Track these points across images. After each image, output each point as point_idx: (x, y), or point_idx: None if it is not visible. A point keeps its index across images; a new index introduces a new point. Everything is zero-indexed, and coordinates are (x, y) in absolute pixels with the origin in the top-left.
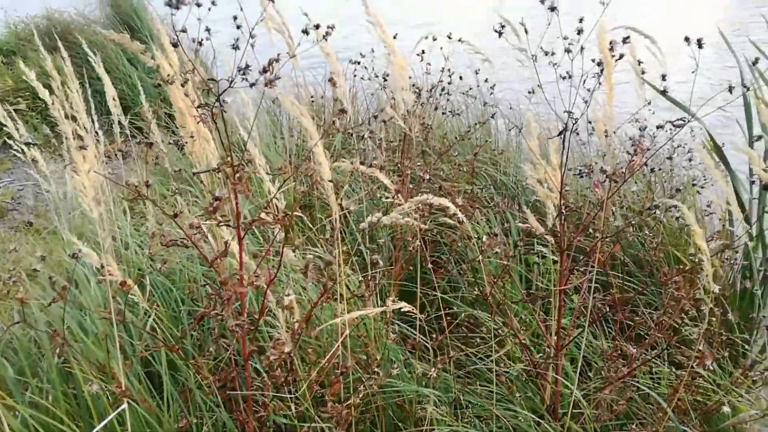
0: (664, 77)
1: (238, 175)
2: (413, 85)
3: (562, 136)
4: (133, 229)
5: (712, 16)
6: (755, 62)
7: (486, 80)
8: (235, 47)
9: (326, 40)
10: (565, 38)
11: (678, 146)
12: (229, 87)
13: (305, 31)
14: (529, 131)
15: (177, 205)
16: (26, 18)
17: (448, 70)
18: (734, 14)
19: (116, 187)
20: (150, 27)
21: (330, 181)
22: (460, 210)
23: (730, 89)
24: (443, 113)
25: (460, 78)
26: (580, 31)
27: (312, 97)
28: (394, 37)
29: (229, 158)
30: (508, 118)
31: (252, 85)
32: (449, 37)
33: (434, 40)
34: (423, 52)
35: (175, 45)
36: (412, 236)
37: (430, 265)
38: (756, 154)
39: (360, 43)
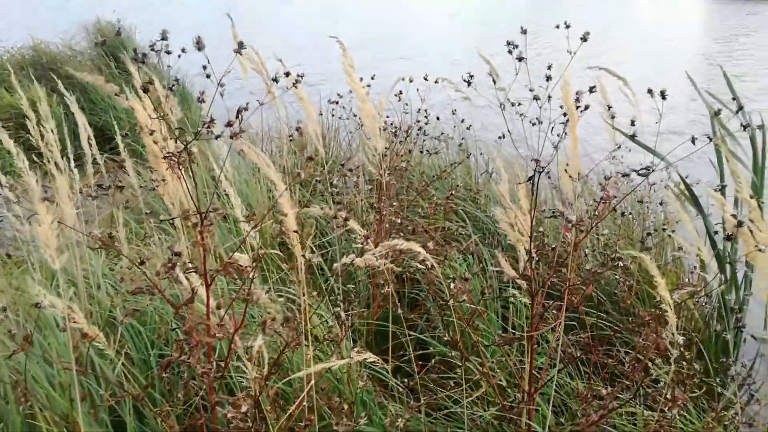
0: (633, 122)
1: (205, 223)
2: (392, 124)
3: (532, 181)
4: (107, 268)
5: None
6: (717, 113)
7: (462, 120)
8: (201, 100)
9: (296, 87)
10: (530, 91)
11: (654, 184)
12: (195, 139)
13: (275, 79)
14: (499, 176)
15: (152, 246)
16: (11, 49)
17: (425, 110)
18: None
19: (90, 225)
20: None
21: (295, 231)
22: (433, 252)
23: (693, 140)
24: (421, 151)
25: (438, 118)
26: (548, 78)
27: (292, 135)
28: (372, 78)
29: (197, 205)
30: (487, 155)
31: (217, 137)
32: (425, 78)
33: (410, 81)
34: (400, 92)
35: (145, 90)
36: (384, 280)
37: (400, 311)
38: (722, 198)
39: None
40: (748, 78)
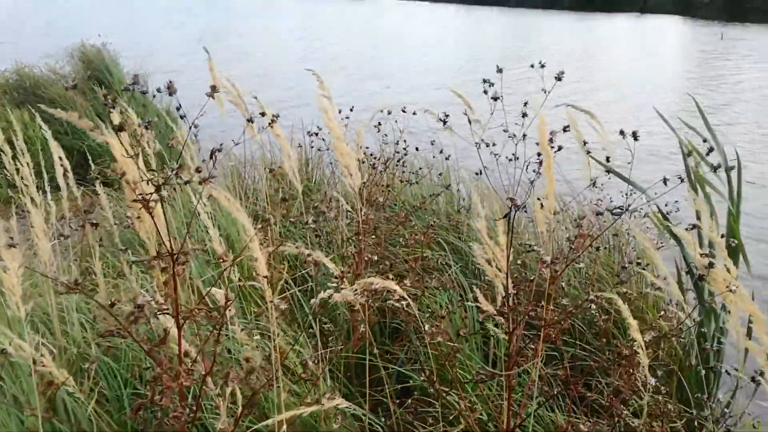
0: (608, 159)
1: (178, 263)
2: (371, 155)
3: (509, 218)
4: (83, 302)
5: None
6: (689, 154)
7: (441, 151)
8: (171, 146)
9: (272, 126)
10: (504, 132)
11: (634, 211)
12: (165, 184)
13: (250, 120)
14: (476, 212)
15: (129, 279)
16: None
17: (404, 140)
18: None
19: (67, 256)
20: (121, 82)
21: (265, 276)
22: (412, 286)
23: (665, 180)
24: (401, 182)
25: (417, 149)
26: (524, 114)
27: (272, 168)
28: (351, 110)
29: (171, 245)
30: (469, 184)
31: (187, 182)
32: (403, 111)
33: (389, 113)
34: (379, 123)
35: (121, 129)
36: (360, 319)
37: (381, 343)
38: (691, 239)
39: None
40: (719, 98)
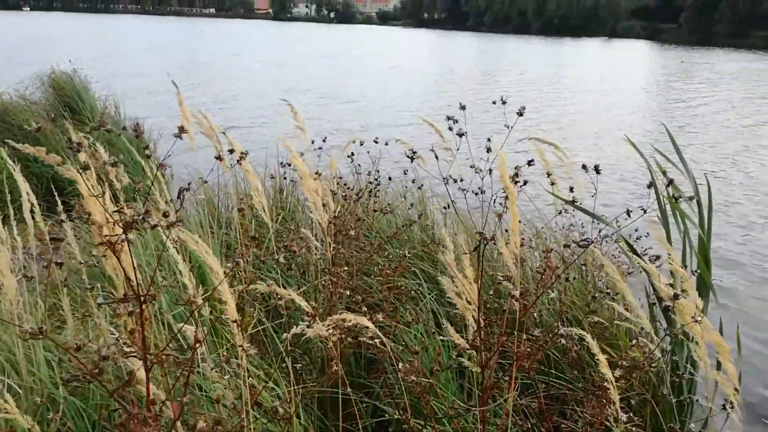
0: (571, 189)
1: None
2: (345, 184)
3: (478, 251)
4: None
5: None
6: (650, 185)
7: (413, 180)
8: (138, 189)
9: (240, 164)
10: (471, 167)
11: (605, 236)
12: (131, 228)
13: (218, 158)
14: (445, 246)
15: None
16: None
17: (377, 171)
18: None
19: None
20: (93, 108)
21: (235, 321)
22: (385, 319)
23: (628, 212)
24: (375, 211)
25: (389, 179)
26: (488, 149)
27: (240, 207)
28: (324, 140)
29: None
30: (441, 214)
31: (154, 227)
32: (376, 141)
33: (361, 144)
34: (353, 154)
35: (86, 168)
36: (332, 357)
37: (356, 374)
38: (655, 270)
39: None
40: (683, 117)
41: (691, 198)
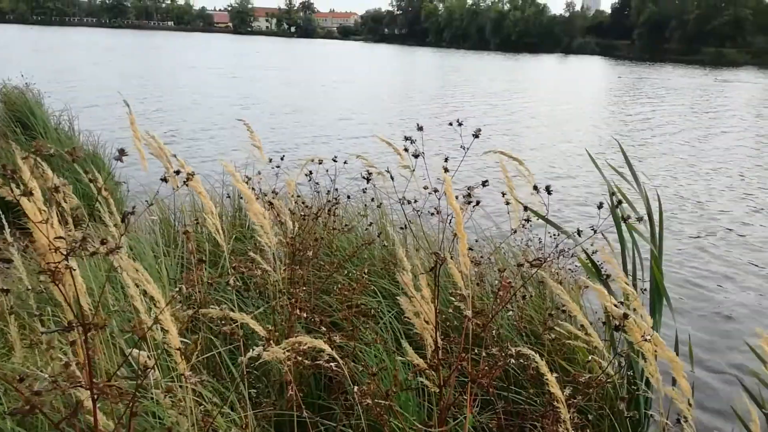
0: (526, 208)
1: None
2: (303, 203)
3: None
4: None
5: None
6: (617, 206)
7: (372, 199)
8: (76, 218)
9: (187, 185)
10: (425, 188)
11: (562, 250)
12: (71, 255)
13: (164, 179)
14: (402, 266)
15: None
16: None
17: (335, 189)
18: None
19: None
20: (45, 124)
21: (178, 349)
22: (343, 339)
23: (578, 233)
24: (333, 229)
25: (348, 198)
26: (446, 170)
27: (185, 230)
28: (282, 158)
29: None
30: (404, 229)
31: (93, 254)
32: (334, 160)
33: (320, 163)
34: (311, 172)
35: (30, 193)
36: (288, 381)
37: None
38: (604, 291)
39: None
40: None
41: (639, 219)
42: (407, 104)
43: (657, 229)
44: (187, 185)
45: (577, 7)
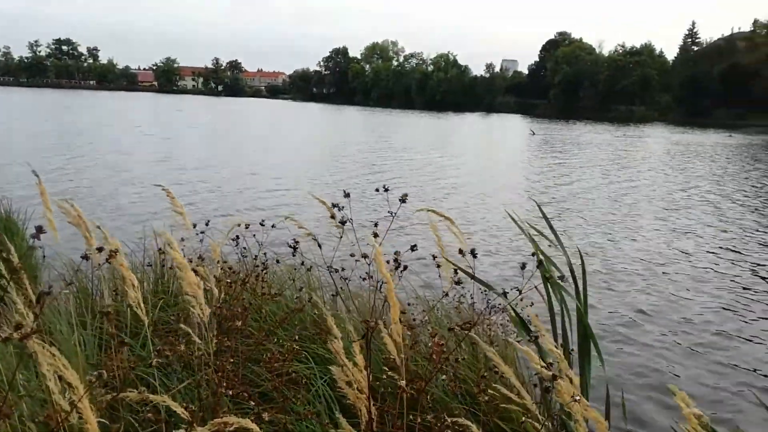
0: (456, 270)
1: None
2: (230, 268)
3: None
4: None
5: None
6: (523, 266)
7: (302, 263)
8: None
9: (110, 262)
10: (352, 256)
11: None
12: None
13: (85, 257)
14: (332, 335)
15: None
16: None
17: (264, 254)
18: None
19: None
20: None
21: None
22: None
23: (505, 294)
24: (262, 295)
25: (277, 261)
26: (376, 234)
27: (105, 311)
28: (207, 224)
29: None
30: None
31: (5, 340)
32: (261, 224)
33: (246, 227)
34: (237, 237)
35: None
36: None
37: None
38: (531, 353)
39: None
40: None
41: (561, 278)
42: (335, 161)
43: (581, 284)
44: (110, 262)
45: (497, 68)
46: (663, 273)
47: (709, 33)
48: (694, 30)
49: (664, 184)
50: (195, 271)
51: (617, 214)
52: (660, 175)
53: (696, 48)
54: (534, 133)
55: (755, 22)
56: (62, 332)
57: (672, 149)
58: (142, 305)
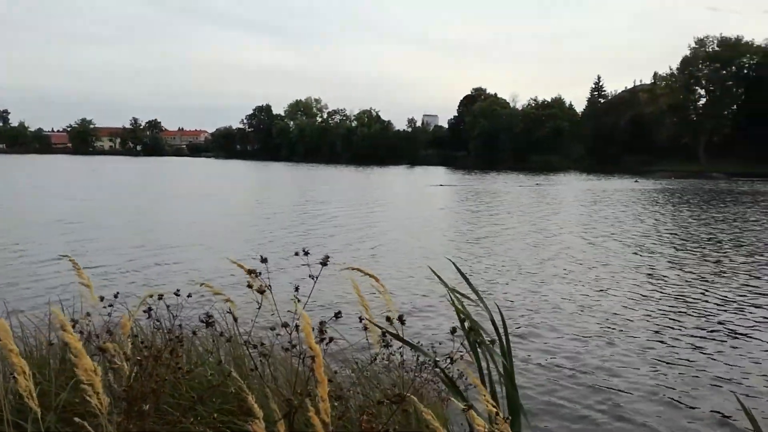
0: (384, 333)
1: None
2: (142, 342)
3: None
4: None
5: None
6: (453, 331)
7: (221, 334)
8: None
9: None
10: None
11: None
12: None
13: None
14: (254, 414)
15: None
16: None
17: (179, 325)
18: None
19: None
20: None
21: None
22: None
23: (435, 362)
24: (179, 368)
25: (194, 333)
26: (298, 300)
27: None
28: (115, 296)
29: None
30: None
31: None
32: (176, 294)
33: (160, 298)
34: (150, 309)
35: None
36: None
37: None
38: (475, 414)
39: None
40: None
41: (492, 342)
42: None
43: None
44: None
45: (419, 123)
46: (581, 319)
47: (615, 86)
48: (600, 84)
49: (573, 227)
50: (102, 349)
51: (526, 263)
52: (569, 219)
53: (602, 100)
54: (442, 185)
55: (655, 74)
56: None
57: (580, 196)
58: (34, 396)
